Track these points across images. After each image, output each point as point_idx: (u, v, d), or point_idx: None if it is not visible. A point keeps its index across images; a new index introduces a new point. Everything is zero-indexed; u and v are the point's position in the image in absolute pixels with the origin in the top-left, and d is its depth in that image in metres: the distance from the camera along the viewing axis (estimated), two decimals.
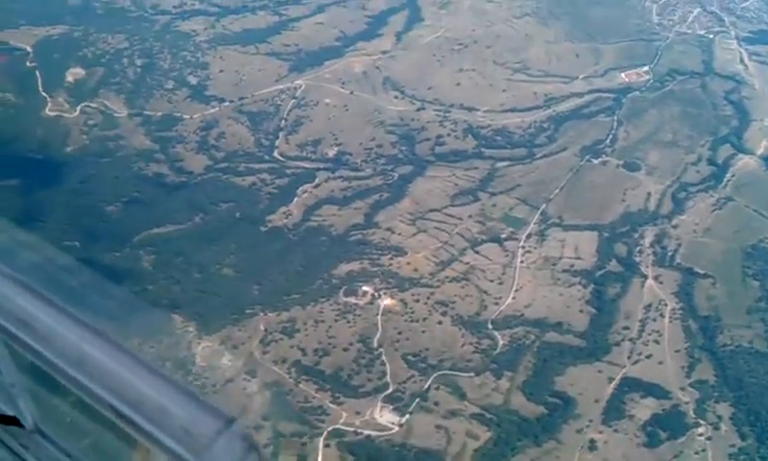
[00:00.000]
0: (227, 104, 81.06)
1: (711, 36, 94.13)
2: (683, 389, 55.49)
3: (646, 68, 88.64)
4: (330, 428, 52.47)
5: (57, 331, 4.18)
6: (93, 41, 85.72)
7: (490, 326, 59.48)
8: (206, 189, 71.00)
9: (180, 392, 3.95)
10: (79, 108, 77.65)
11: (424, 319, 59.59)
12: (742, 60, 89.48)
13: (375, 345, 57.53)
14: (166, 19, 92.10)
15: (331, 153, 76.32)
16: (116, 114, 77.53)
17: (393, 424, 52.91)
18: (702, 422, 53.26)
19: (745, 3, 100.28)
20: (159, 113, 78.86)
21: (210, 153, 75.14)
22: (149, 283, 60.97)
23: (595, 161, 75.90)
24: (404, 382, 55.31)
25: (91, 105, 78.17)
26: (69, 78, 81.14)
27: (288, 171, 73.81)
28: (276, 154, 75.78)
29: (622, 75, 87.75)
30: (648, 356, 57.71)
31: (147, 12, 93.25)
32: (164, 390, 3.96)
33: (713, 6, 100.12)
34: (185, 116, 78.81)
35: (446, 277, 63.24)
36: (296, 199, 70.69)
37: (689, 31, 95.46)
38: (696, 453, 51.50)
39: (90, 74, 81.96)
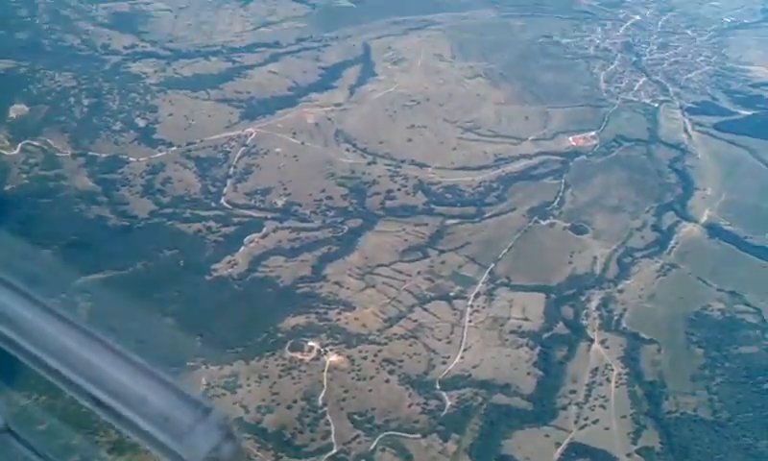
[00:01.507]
0: (174, 148, 79.67)
1: (657, 105, 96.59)
2: (629, 456, 55.21)
3: (593, 133, 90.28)
4: None
5: (37, 325, 4.26)
6: (40, 78, 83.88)
7: (437, 386, 58.60)
8: (150, 235, 69.17)
9: (159, 382, 4.15)
10: (20, 145, 75.40)
11: (371, 377, 58.42)
12: (686, 130, 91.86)
13: (320, 403, 56.05)
14: (117, 60, 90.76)
15: (280, 203, 75.30)
16: (59, 154, 75.50)
17: None
18: None
19: (689, 74, 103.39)
20: (104, 155, 77.02)
21: (156, 197, 73.46)
22: None
23: (543, 223, 76.42)
24: (349, 442, 53.85)
25: (33, 143, 76.03)
26: (12, 114, 78.93)
27: (235, 219, 72.51)
28: (223, 201, 74.50)
29: (570, 139, 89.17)
30: (595, 421, 57.42)
31: (97, 51, 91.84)
32: (143, 380, 4.16)
33: (658, 76, 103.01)
34: (131, 159, 77.10)
35: (394, 334, 62.35)
36: (242, 248, 69.32)
37: (635, 99, 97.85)
38: None
39: (34, 111, 79.94)
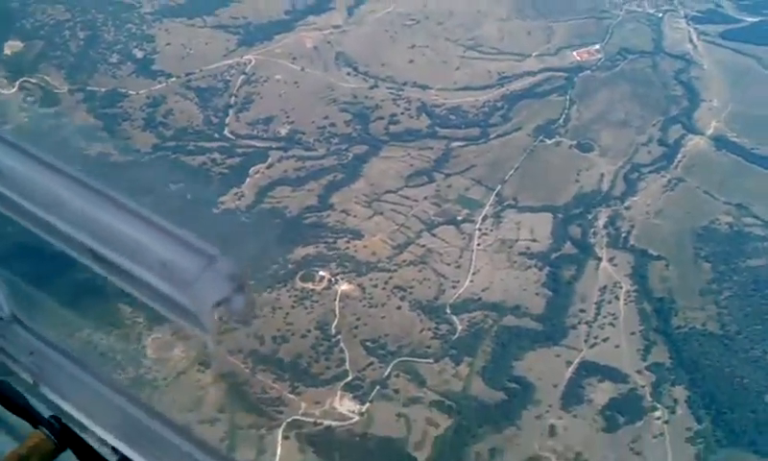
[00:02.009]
0: (174, 79, 78.52)
1: (661, 15, 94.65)
2: (639, 372, 56.06)
3: (597, 47, 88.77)
4: (289, 419, 51.58)
5: (28, 177, 4.07)
6: (32, 12, 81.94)
7: (448, 310, 59.14)
8: (155, 169, 68.80)
9: (159, 229, 3.93)
10: (17, 83, 74.22)
11: (383, 304, 58.93)
12: (691, 40, 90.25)
13: (334, 331, 56.71)
14: None
15: (283, 131, 74.65)
16: (57, 90, 74.43)
17: (353, 413, 52.26)
18: (658, 405, 53.85)
19: None
20: (103, 89, 75.94)
21: (158, 131, 72.77)
22: (93, 271, 58.75)
23: (549, 142, 75.86)
24: (364, 370, 54.68)
25: (31, 80, 74.80)
26: (6, 51, 77.52)
27: (239, 150, 71.99)
28: (226, 132, 73.82)
29: (574, 53, 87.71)
30: (605, 340, 58.13)
31: None
32: (142, 228, 3.91)
33: None
34: (131, 92, 76.04)
35: (404, 260, 62.61)
36: (248, 180, 69.03)
37: (639, 9, 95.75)
38: (654, 437, 52.12)
39: (29, 47, 78.40)
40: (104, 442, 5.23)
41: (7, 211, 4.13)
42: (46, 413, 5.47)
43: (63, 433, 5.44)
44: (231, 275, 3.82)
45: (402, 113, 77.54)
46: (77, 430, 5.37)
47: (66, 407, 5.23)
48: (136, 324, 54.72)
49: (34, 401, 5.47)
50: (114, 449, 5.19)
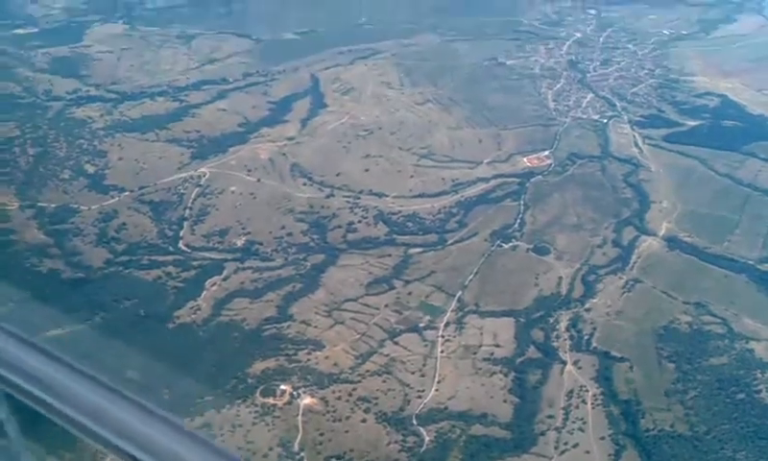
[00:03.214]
0: (127, 193, 77.75)
1: (605, 121, 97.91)
2: None
3: (547, 152, 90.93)
4: None
5: (70, 387, 6.93)
6: None
7: (414, 421, 57.44)
8: (107, 285, 66.89)
9: (193, 439, 6.28)
10: None
11: (347, 417, 56.99)
12: (636, 144, 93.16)
13: (297, 448, 54.39)
14: (60, 106, 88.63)
15: (240, 242, 73.78)
16: (7, 207, 72.78)
17: None
18: None
19: (634, 88, 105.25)
20: (54, 205, 74.75)
21: (111, 246, 71.33)
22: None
23: (506, 246, 76.26)
24: None
25: None
26: None
27: (195, 263, 70.73)
28: (181, 245, 72.69)
29: (524, 159, 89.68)
30: (575, 445, 56.84)
31: (39, 98, 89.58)
32: (177, 437, 6.09)
33: (604, 91, 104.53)
34: (83, 207, 74.94)
35: (367, 371, 61.12)
36: (204, 292, 67.52)
37: (584, 115, 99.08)
38: None
39: None
40: None
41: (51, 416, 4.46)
42: None
43: None
44: None
45: (359, 221, 77.49)
46: None
47: None
48: (91, 446, 51.80)
49: None
50: None
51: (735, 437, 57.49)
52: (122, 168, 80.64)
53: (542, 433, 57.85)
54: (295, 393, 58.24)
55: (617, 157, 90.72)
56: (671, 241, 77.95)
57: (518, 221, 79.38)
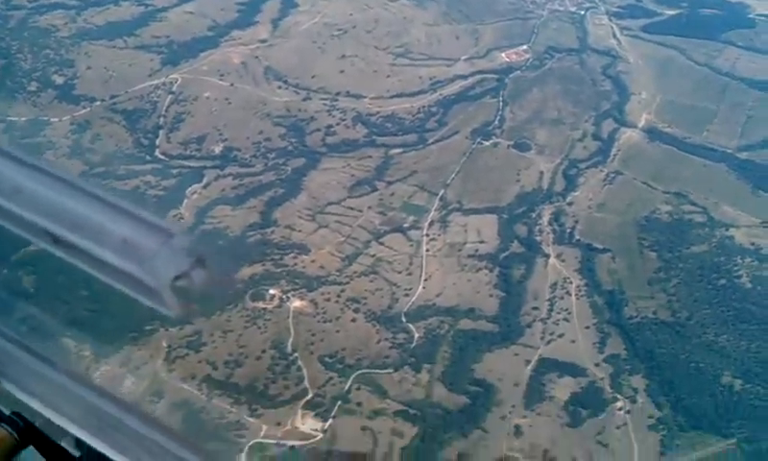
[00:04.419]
0: (98, 103, 75.62)
1: (583, 13, 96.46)
2: (597, 365, 56.22)
3: (525, 47, 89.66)
4: (251, 443, 49.73)
5: None
6: None
7: (403, 319, 58.20)
8: None
9: (117, 210, 3.94)
10: None
11: (337, 318, 57.58)
12: (615, 35, 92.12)
13: (290, 350, 55.03)
14: (22, 15, 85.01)
15: (218, 149, 72.66)
16: None
17: (316, 430, 50.72)
18: (619, 396, 54.08)
19: None
20: (24, 118, 72.65)
21: (85, 157, 69.80)
22: (33, 305, 55.61)
23: (486, 143, 75.92)
24: (323, 386, 53.16)
25: None
26: None
27: (173, 171, 69.66)
28: (157, 153, 71.37)
29: (503, 55, 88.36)
30: (560, 335, 58.15)
31: None
32: (100, 209, 3.91)
33: None
34: (54, 119, 72.89)
35: (354, 272, 61.44)
36: (185, 201, 66.80)
37: (561, 8, 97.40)
38: (617, 428, 52.24)
39: None
40: (68, 435, 5.23)
41: None
42: (7, 410, 5.48)
43: (26, 429, 5.43)
44: (191, 250, 3.92)
45: (338, 124, 76.49)
46: (40, 426, 5.40)
47: (29, 403, 5.21)
48: (82, 358, 52.00)
49: None
50: (79, 443, 5.20)
51: (717, 321, 59.05)
52: (91, 77, 78.35)
53: (528, 325, 59.02)
54: (284, 296, 58.49)
55: (596, 50, 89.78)
56: (651, 132, 78.10)
57: (498, 118, 78.84)
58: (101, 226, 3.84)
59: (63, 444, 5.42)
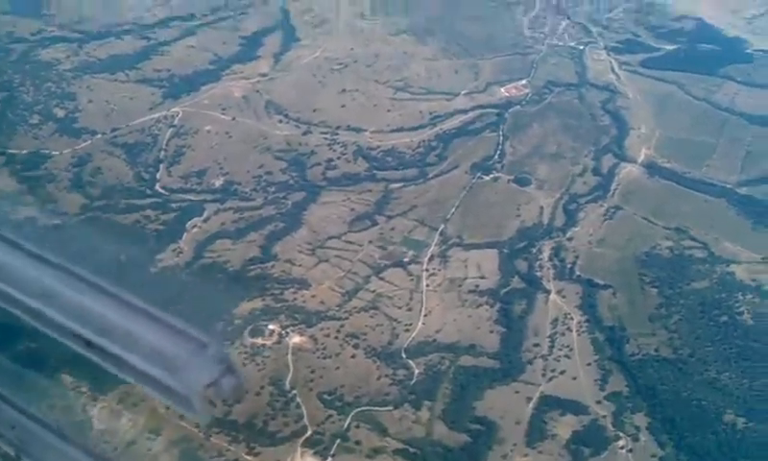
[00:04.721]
0: (99, 136, 75.93)
1: (582, 48, 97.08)
2: (599, 402, 55.75)
3: (524, 82, 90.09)
4: None
5: (17, 268, 6.96)
6: None
7: (403, 355, 57.81)
8: (85, 231, 65.64)
9: (150, 318, 7.87)
10: None
11: (337, 354, 57.19)
12: (613, 70, 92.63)
13: (288, 386, 54.56)
14: (24, 48, 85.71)
15: (218, 183, 72.69)
16: None
17: None
18: (621, 434, 53.57)
19: (609, 14, 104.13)
20: (25, 151, 72.82)
21: (86, 191, 69.87)
22: (31, 342, 55.10)
23: (486, 178, 75.97)
24: (323, 423, 52.64)
25: None
26: None
27: (173, 205, 69.69)
28: (158, 187, 71.41)
29: (502, 89, 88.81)
30: (562, 372, 57.72)
31: (1, 40, 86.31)
32: (132, 317, 7.87)
33: (579, 17, 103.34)
34: (54, 152, 73.19)
35: (354, 307, 61.16)
36: (185, 235, 66.69)
37: (560, 43, 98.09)
38: None
39: None
40: None
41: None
42: None
43: None
44: (222, 357, 5.93)
45: (339, 158, 76.62)
46: None
47: None
48: (80, 394, 51.58)
49: None
50: None
51: (719, 359, 58.71)
52: (92, 111, 78.67)
53: (530, 361, 58.64)
54: (283, 332, 58.18)
55: (595, 85, 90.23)
56: (650, 167, 78.28)
57: (498, 152, 78.99)
58: (135, 333, 4.07)
59: None
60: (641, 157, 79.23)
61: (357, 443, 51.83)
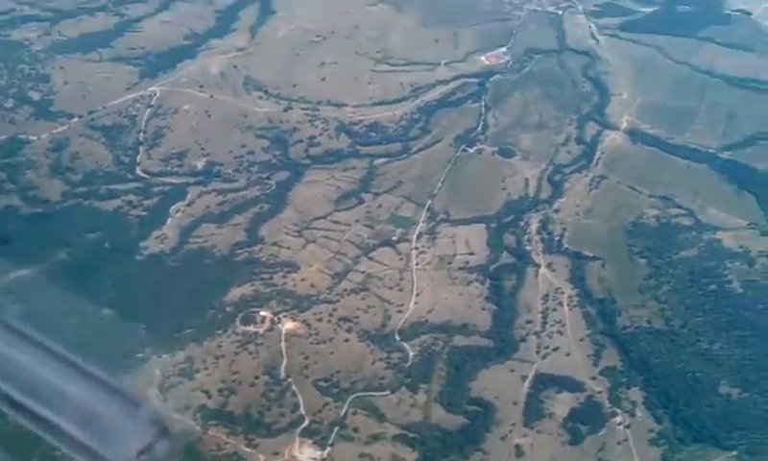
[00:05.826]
0: (76, 119, 74.05)
1: (560, 12, 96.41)
2: (593, 378, 56.04)
3: (504, 49, 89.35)
4: None
5: None
6: None
7: (397, 337, 57.57)
8: (68, 219, 64.25)
9: (83, 375, 6.17)
10: None
11: (330, 339, 56.78)
12: (593, 35, 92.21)
13: (283, 374, 54.14)
14: None
15: (200, 164, 71.44)
16: None
17: (315, 459, 49.99)
18: (618, 410, 53.93)
19: None
20: (2, 137, 70.83)
21: (66, 176, 68.23)
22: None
23: (471, 150, 75.52)
24: (320, 411, 52.30)
25: None
26: None
27: (155, 189, 68.35)
28: (138, 171, 69.96)
29: (483, 58, 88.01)
30: (555, 349, 57.89)
31: None
32: (63, 374, 6.02)
33: None
34: (32, 137, 71.27)
35: (345, 289, 60.68)
36: (169, 220, 65.49)
37: (539, 8, 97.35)
38: (618, 444, 52.04)
39: None
40: None
41: None
42: None
43: None
44: (155, 419, 4.59)
45: (321, 134, 75.65)
46: None
47: None
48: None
49: None
50: None
51: (710, 329, 59.33)
52: (68, 93, 76.67)
53: (523, 339, 58.73)
54: (275, 318, 57.62)
55: (575, 50, 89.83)
56: (633, 134, 78.38)
57: (481, 123, 78.54)
58: (64, 392, 3.73)
59: None
60: (624, 124, 79.23)
61: (355, 430, 51.60)
